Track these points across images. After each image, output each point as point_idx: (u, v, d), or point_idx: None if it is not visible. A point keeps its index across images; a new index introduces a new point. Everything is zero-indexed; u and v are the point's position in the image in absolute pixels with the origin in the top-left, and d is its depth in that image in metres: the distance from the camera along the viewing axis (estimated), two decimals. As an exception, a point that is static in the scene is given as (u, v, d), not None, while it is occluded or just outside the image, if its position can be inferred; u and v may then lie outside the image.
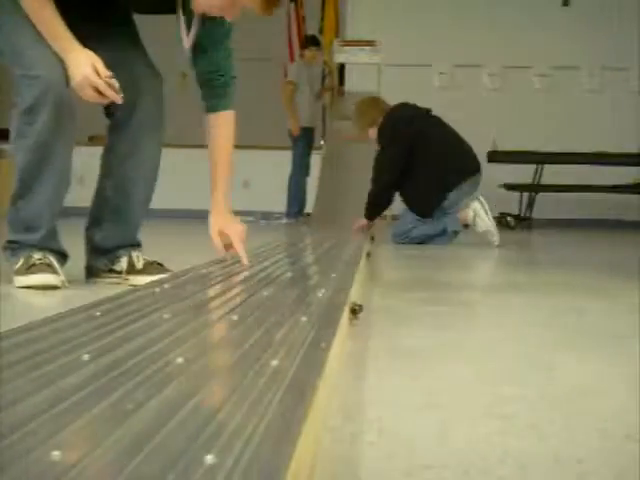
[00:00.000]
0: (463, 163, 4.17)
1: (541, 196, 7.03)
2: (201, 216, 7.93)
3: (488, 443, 0.79)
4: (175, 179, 7.86)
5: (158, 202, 8.73)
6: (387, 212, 7.25)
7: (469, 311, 1.88)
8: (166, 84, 2.22)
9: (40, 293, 1.81)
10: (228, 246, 1.88)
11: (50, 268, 1.86)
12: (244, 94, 7.28)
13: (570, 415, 0.91)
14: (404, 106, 4.39)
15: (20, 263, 1.86)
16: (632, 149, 7.19)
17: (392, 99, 6.71)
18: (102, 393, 0.65)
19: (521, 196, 7.09)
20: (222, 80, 1.98)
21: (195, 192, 7.57)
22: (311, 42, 6.69)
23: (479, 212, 4.00)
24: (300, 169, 6.49)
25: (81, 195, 9.14)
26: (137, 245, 2.09)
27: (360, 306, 1.48)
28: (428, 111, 4.43)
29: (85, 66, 1.70)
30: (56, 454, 0.49)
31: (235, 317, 1.10)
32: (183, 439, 0.53)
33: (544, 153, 6.93)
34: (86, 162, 9.09)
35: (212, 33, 1.94)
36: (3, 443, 0.51)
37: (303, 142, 6.44)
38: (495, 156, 6.94)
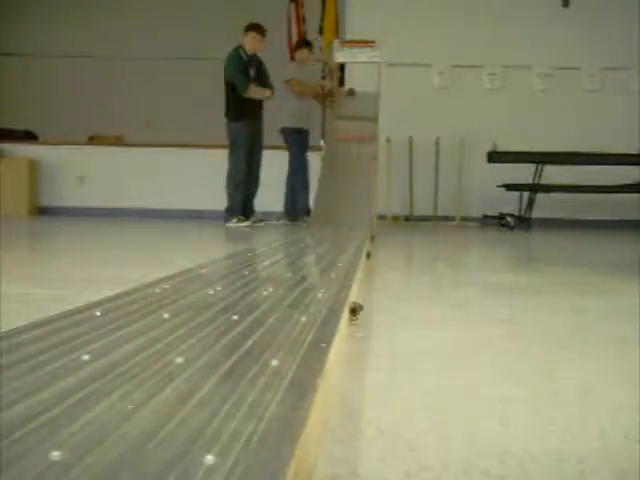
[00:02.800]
0: None
1: (541, 196, 7.04)
2: (200, 216, 7.96)
3: (488, 443, 0.79)
4: (174, 179, 7.88)
5: (158, 202, 8.70)
6: (386, 213, 7.27)
7: (469, 311, 1.88)
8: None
9: (39, 292, 1.81)
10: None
11: None
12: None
13: (570, 415, 0.91)
14: None
15: None
16: (632, 149, 7.20)
17: (392, 99, 6.73)
18: (102, 393, 0.65)
19: (521, 196, 7.10)
20: None
21: (194, 192, 7.59)
22: (303, 44, 6.72)
23: None
24: (295, 170, 6.48)
25: (81, 195, 9.16)
26: None
27: (360, 306, 1.48)
28: None
29: None
30: (56, 454, 0.49)
31: (235, 317, 1.10)
32: (183, 439, 0.53)
33: (544, 153, 6.93)
34: (86, 162, 9.07)
35: None
36: (3, 443, 0.51)
37: (297, 144, 6.43)
38: (495, 156, 6.94)
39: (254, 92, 5.95)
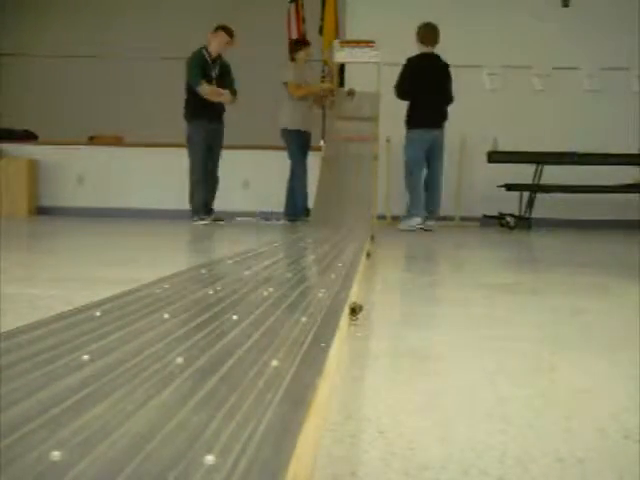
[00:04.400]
0: None
1: (541, 196, 7.03)
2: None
3: (488, 443, 0.79)
4: (173, 179, 7.87)
5: (158, 202, 8.70)
6: (386, 213, 7.27)
7: (469, 311, 1.88)
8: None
9: (39, 292, 1.81)
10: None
11: None
12: (245, 95, 7.25)
13: (570, 415, 0.91)
14: None
15: None
16: (632, 149, 7.19)
17: (392, 99, 6.72)
18: (102, 393, 0.65)
19: (521, 196, 7.09)
20: None
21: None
22: (301, 43, 6.74)
23: None
24: (294, 171, 6.48)
25: (81, 195, 9.16)
26: None
27: (360, 306, 1.48)
28: None
29: None
30: (56, 454, 0.49)
31: (235, 317, 1.10)
32: (183, 439, 0.53)
33: (544, 153, 6.93)
34: (86, 162, 9.05)
35: None
36: (3, 443, 0.51)
37: (296, 145, 6.43)
38: (495, 156, 6.94)
39: (207, 91, 5.96)
